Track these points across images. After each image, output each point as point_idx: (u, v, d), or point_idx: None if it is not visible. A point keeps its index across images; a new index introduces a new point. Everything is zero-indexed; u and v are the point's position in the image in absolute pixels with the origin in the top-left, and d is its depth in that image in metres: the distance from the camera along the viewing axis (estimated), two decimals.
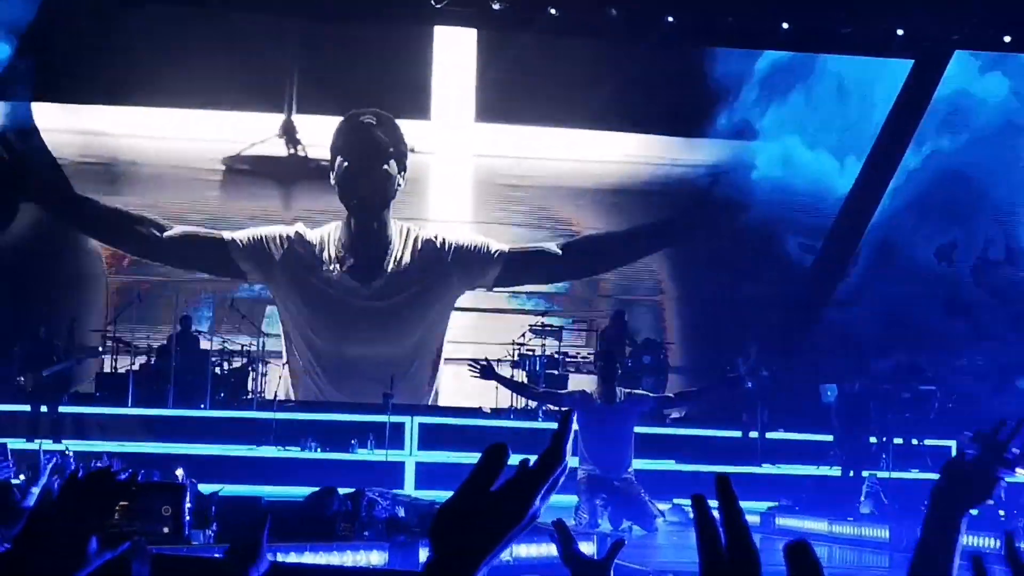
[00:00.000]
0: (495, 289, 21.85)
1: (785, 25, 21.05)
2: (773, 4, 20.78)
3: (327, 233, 21.02)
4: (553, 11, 20.71)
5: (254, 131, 21.92)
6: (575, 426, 1.94)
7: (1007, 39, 21.70)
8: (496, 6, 20.52)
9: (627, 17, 20.77)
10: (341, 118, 21.19)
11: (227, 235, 20.90)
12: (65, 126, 21.82)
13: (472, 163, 22.96)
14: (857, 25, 21.12)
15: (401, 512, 11.73)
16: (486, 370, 13.51)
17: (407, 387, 20.65)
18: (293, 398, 21.05)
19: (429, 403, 21.22)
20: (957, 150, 23.33)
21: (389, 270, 20.93)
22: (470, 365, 13.61)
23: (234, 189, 22.19)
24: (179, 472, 14.27)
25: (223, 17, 20.60)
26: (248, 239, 20.87)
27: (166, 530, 2.64)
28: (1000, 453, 3.08)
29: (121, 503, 2.93)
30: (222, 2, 20.88)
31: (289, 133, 21.84)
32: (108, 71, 21.03)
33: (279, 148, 21.94)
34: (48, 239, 21.95)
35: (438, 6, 20.57)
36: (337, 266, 20.79)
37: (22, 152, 21.51)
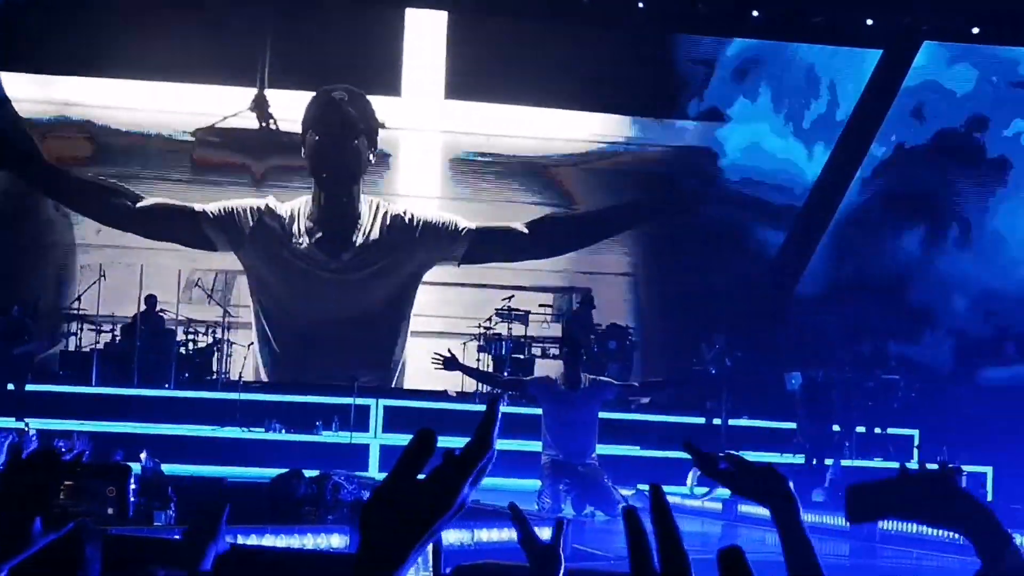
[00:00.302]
0: (461, 266, 21.89)
1: (755, 13, 21.09)
2: None
3: (297, 206, 21.11)
4: None
5: (227, 104, 22.05)
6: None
7: (975, 30, 21.78)
8: None
9: (598, 2, 20.76)
10: (313, 93, 21.25)
11: (198, 207, 21.00)
12: (39, 96, 21.95)
13: (441, 139, 23.14)
14: (827, 14, 21.17)
15: (366, 495, 11.69)
16: (449, 362, 13.51)
17: (373, 359, 20.82)
18: (261, 367, 21.12)
19: (395, 376, 21.32)
20: (924, 141, 23.44)
21: (358, 244, 21.07)
22: (434, 357, 13.59)
23: (206, 161, 22.31)
24: (143, 455, 14.25)
25: None
26: (219, 210, 20.98)
27: (111, 511, 2.66)
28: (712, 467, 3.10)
29: (66, 483, 2.92)
30: None
31: (261, 107, 21.98)
32: (81, 42, 21.06)
33: (251, 121, 22.06)
34: (14, 213, 21.96)
35: None
36: (306, 239, 20.90)
37: None
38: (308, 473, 10.92)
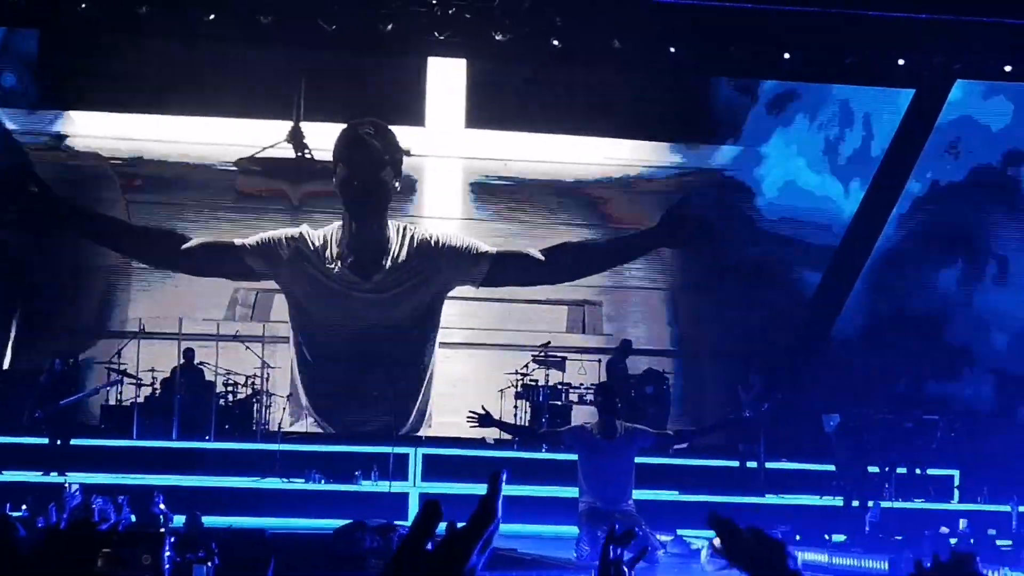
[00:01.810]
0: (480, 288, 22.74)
1: (787, 55, 21.14)
2: (775, 35, 20.87)
3: (329, 232, 21.92)
4: (556, 42, 20.84)
5: (265, 136, 23.37)
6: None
7: (1008, 68, 21.77)
8: (499, 37, 20.64)
9: (630, 48, 20.89)
10: (343, 125, 22.18)
11: (238, 241, 21.88)
12: (93, 132, 23.40)
13: (462, 165, 24.37)
14: (858, 55, 21.21)
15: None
16: (484, 419, 13.58)
17: (404, 373, 21.66)
18: (300, 388, 21.62)
19: (423, 388, 21.91)
20: (960, 177, 23.39)
21: (387, 266, 21.82)
22: (469, 416, 13.68)
23: (247, 188, 23.71)
24: (161, 505, 14.35)
25: (254, 38, 21.71)
26: (257, 242, 21.86)
27: None
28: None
29: (103, 551, 3.01)
30: (232, 38, 21.50)
31: (297, 138, 23.24)
32: (133, 82, 22.66)
33: (288, 151, 23.37)
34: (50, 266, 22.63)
35: (442, 38, 20.76)
36: (338, 263, 21.67)
37: (47, 183, 22.62)
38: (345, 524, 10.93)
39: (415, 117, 23.51)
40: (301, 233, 21.92)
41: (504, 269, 22.23)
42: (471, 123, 23.80)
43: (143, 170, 23.47)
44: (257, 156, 23.49)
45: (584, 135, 23.78)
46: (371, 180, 21.49)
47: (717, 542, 3.00)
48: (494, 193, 24.16)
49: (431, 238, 22.15)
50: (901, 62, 21.38)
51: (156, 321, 21.84)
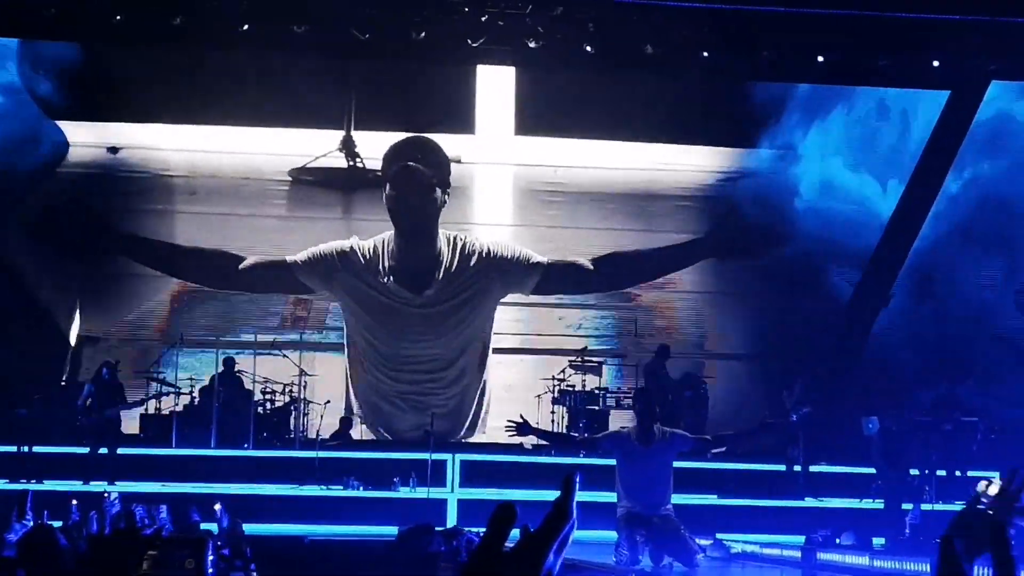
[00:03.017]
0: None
1: (820, 58, 21.08)
2: (808, 38, 20.81)
3: (381, 243, 21.88)
4: (590, 48, 20.84)
5: (317, 146, 23.89)
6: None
7: None
8: (532, 44, 20.67)
9: (664, 53, 20.87)
10: (394, 134, 22.33)
11: (289, 258, 21.92)
12: (147, 143, 23.91)
13: (512, 172, 24.80)
14: (892, 57, 21.12)
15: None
16: (522, 427, 13.59)
17: (458, 384, 21.85)
18: (354, 402, 21.80)
19: (477, 395, 21.95)
20: (998, 175, 23.25)
21: (439, 278, 21.80)
22: (507, 425, 13.70)
23: (300, 197, 24.11)
24: (217, 507, 14.39)
25: (289, 47, 21.68)
26: (308, 258, 21.88)
27: None
28: (1012, 503, 3.09)
29: (149, 553, 3.05)
30: (266, 47, 21.67)
31: (348, 147, 23.77)
32: (186, 95, 23.16)
33: (340, 161, 23.84)
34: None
35: (475, 45, 20.79)
36: (390, 277, 21.58)
37: (101, 210, 23.11)
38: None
39: (465, 125, 23.96)
40: (351, 247, 21.90)
41: (555, 279, 22.29)
42: (521, 130, 24.16)
43: (195, 181, 23.91)
44: (309, 166, 23.88)
45: (630, 141, 24.10)
46: (419, 204, 21.51)
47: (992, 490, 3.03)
48: (544, 200, 24.45)
49: (482, 249, 22.11)
50: (936, 64, 21.25)
51: (201, 331, 22.07)
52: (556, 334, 23.39)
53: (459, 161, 23.17)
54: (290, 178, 23.99)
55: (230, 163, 23.91)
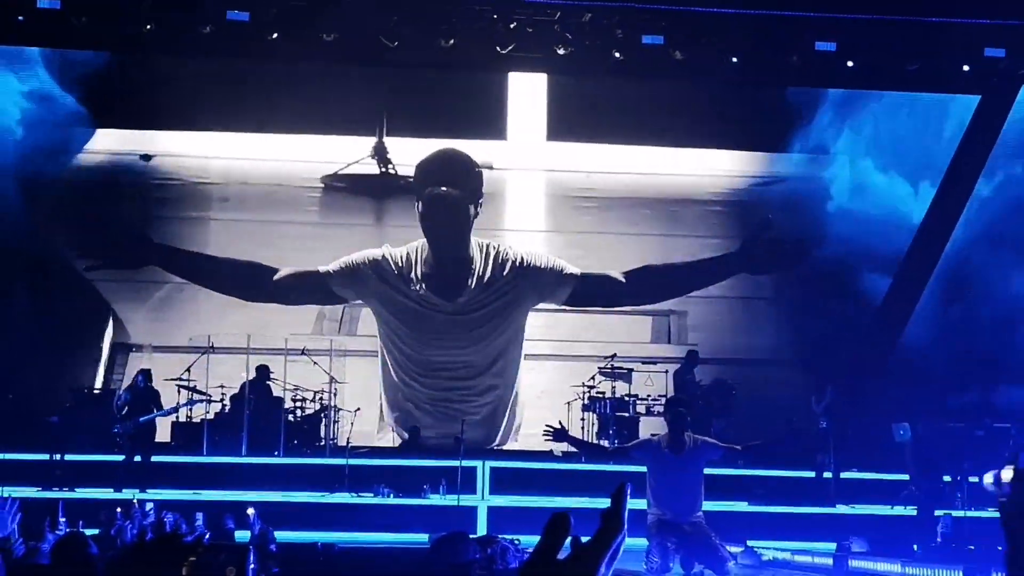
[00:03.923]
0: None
1: (850, 63, 21.02)
2: (838, 42, 20.76)
3: (412, 252, 21.84)
4: (618, 55, 20.84)
5: (349, 152, 24.23)
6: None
7: None
8: (561, 51, 20.68)
9: (692, 58, 20.85)
10: (426, 141, 22.30)
11: (322, 268, 21.72)
12: (180, 151, 24.22)
13: (544, 177, 25.06)
14: (922, 62, 21.04)
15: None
16: (559, 433, 13.58)
17: (491, 391, 21.81)
18: (386, 408, 21.76)
19: (511, 403, 21.90)
20: None
21: (471, 286, 21.74)
22: (545, 430, 13.69)
23: (332, 203, 24.34)
24: (250, 511, 14.47)
25: (318, 56, 21.73)
26: (341, 267, 21.71)
27: None
28: None
29: (189, 559, 3.07)
30: (296, 56, 21.79)
31: (380, 154, 24.07)
32: (218, 102, 23.44)
33: (372, 167, 24.11)
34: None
35: (504, 52, 20.82)
36: (423, 284, 21.56)
37: (134, 219, 22.95)
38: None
39: (497, 131, 24.23)
40: (383, 255, 21.79)
41: (587, 291, 22.03)
42: (552, 136, 24.37)
43: (228, 188, 24.14)
44: (341, 173, 24.09)
45: (661, 146, 24.31)
46: (451, 225, 21.43)
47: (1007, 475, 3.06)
48: (576, 205, 24.57)
49: (516, 258, 21.94)
50: (966, 68, 21.17)
51: (230, 337, 22.14)
52: (587, 340, 23.36)
53: (491, 167, 23.28)
54: (322, 185, 24.14)
55: (263, 170, 24.14)
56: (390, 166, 23.85)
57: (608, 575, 2.01)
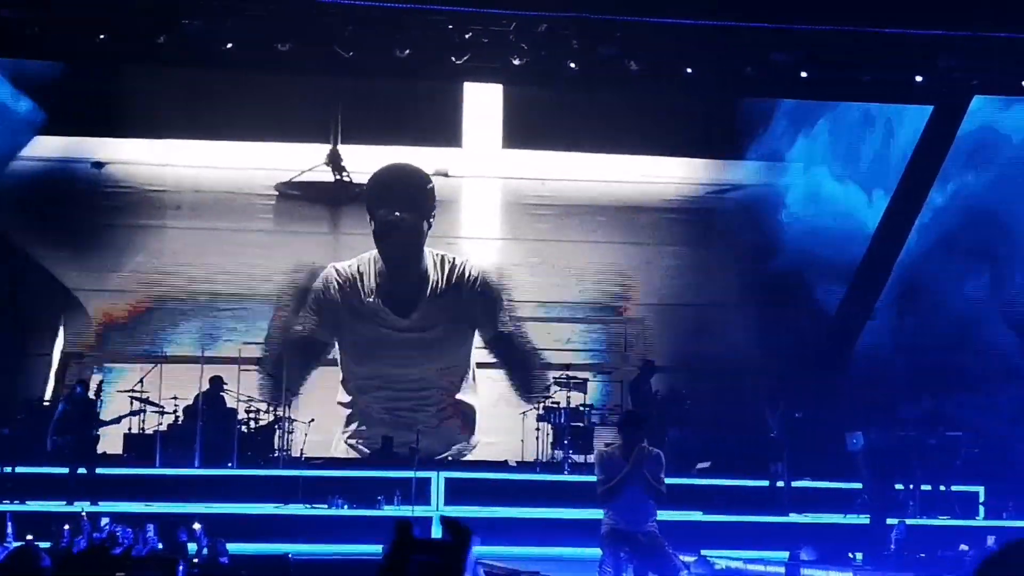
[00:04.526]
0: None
1: (804, 74, 21.11)
2: (792, 53, 20.84)
3: (364, 264, 22.10)
4: (573, 65, 20.86)
5: (304, 160, 23.90)
6: None
7: None
8: (516, 61, 20.68)
9: (647, 69, 20.89)
10: (381, 148, 22.96)
11: (302, 331, 22.06)
12: (132, 158, 23.89)
13: (500, 185, 24.83)
14: (875, 73, 21.16)
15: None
16: None
17: (443, 401, 22.06)
18: (345, 416, 21.91)
19: (465, 412, 22.02)
20: (983, 186, 23.25)
21: (425, 301, 22.02)
22: None
23: (286, 211, 24.08)
24: (196, 526, 14.40)
25: (272, 66, 21.69)
26: (313, 316, 22.03)
27: None
28: None
29: (118, 574, 3.04)
30: (250, 66, 21.70)
31: (335, 161, 23.78)
32: (169, 109, 23.01)
33: (327, 175, 23.87)
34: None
35: (459, 62, 20.80)
36: (377, 299, 21.80)
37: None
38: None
39: (452, 138, 24.06)
40: (331, 276, 22.03)
41: (500, 350, 22.55)
42: (508, 143, 24.25)
43: (181, 196, 23.86)
44: (296, 180, 23.90)
45: (618, 153, 24.23)
46: (403, 247, 21.80)
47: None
48: (532, 213, 24.51)
49: (474, 276, 22.35)
50: (919, 79, 21.30)
51: (183, 348, 22.04)
52: (543, 348, 23.35)
53: (446, 174, 23.36)
54: (277, 192, 24.03)
55: (216, 177, 23.90)
56: (345, 173, 23.74)
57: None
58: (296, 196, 24.05)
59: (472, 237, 24.18)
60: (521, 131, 23.95)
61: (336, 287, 21.97)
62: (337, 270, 22.18)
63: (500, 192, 24.84)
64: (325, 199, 24.10)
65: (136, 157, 23.87)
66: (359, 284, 21.80)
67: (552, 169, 24.43)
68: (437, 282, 22.02)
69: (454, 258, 22.51)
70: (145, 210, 23.73)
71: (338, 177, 23.80)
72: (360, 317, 21.90)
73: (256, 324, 23.11)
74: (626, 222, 24.41)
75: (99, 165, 23.68)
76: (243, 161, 23.86)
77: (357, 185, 23.38)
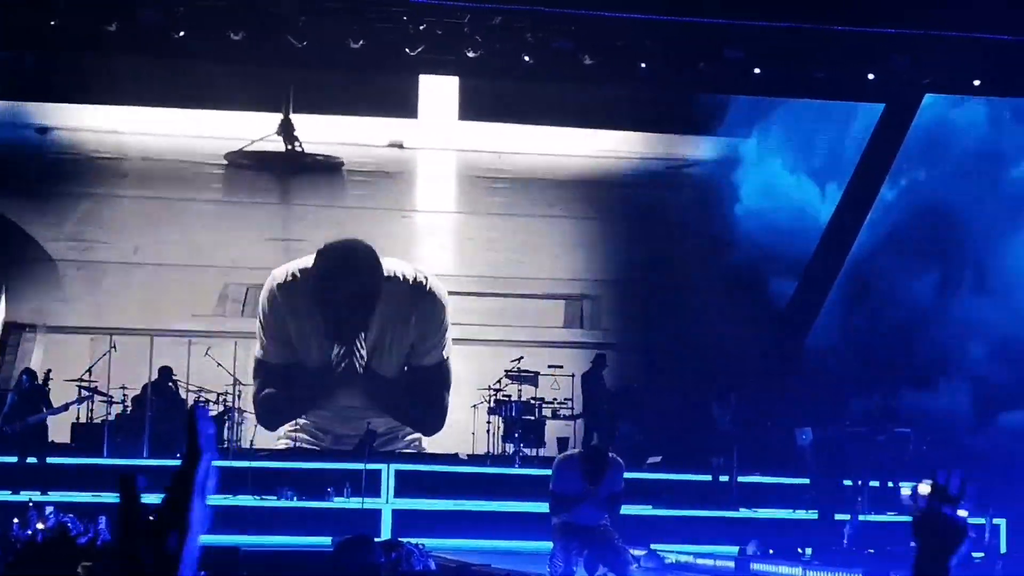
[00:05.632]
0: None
1: (757, 71, 21.19)
2: (745, 50, 20.91)
3: (301, 273, 21.35)
4: (528, 58, 20.85)
5: (255, 129, 23.68)
6: None
7: (977, 83, 21.84)
8: (471, 54, 20.64)
9: (601, 63, 20.91)
10: (334, 118, 23.20)
11: (289, 360, 21.53)
12: (78, 124, 23.59)
13: (455, 157, 24.71)
14: (828, 70, 21.28)
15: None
16: None
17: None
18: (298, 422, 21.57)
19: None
20: (933, 183, 23.37)
21: (371, 329, 21.38)
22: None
23: (236, 181, 23.90)
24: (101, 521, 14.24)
25: (225, 55, 21.40)
26: (276, 341, 21.52)
27: None
28: (949, 498, 3.10)
29: (83, 564, 3.00)
30: (203, 55, 21.39)
31: (287, 131, 23.56)
32: (116, 74, 22.45)
33: (278, 144, 23.62)
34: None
35: (413, 54, 20.74)
36: (321, 320, 21.29)
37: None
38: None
39: (408, 109, 23.84)
40: (272, 292, 21.49)
41: (414, 376, 21.89)
42: (464, 115, 23.99)
43: (128, 164, 23.52)
44: (246, 149, 23.62)
45: (575, 127, 24.19)
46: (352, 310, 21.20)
47: (924, 489, 3.06)
48: (488, 186, 24.40)
49: (423, 288, 21.76)
50: (871, 77, 21.42)
51: (131, 326, 21.67)
52: (499, 324, 23.20)
53: (401, 146, 23.34)
54: (226, 162, 23.72)
55: (164, 146, 23.61)
56: (296, 143, 23.51)
57: (204, 504, 2.09)
58: (246, 166, 23.83)
59: (427, 211, 24.13)
60: (477, 103, 23.77)
61: (283, 297, 21.48)
62: (276, 281, 21.64)
63: (455, 165, 24.73)
64: (276, 169, 23.94)
65: (82, 123, 23.53)
66: (300, 295, 21.28)
67: (508, 142, 24.32)
68: (384, 307, 21.49)
69: (403, 273, 21.89)
70: (92, 177, 23.43)
71: (289, 147, 23.55)
72: (307, 317, 21.57)
73: (204, 297, 22.82)
74: (582, 195, 24.36)
75: (44, 131, 23.35)
76: (193, 129, 23.58)
77: (309, 155, 23.32)
